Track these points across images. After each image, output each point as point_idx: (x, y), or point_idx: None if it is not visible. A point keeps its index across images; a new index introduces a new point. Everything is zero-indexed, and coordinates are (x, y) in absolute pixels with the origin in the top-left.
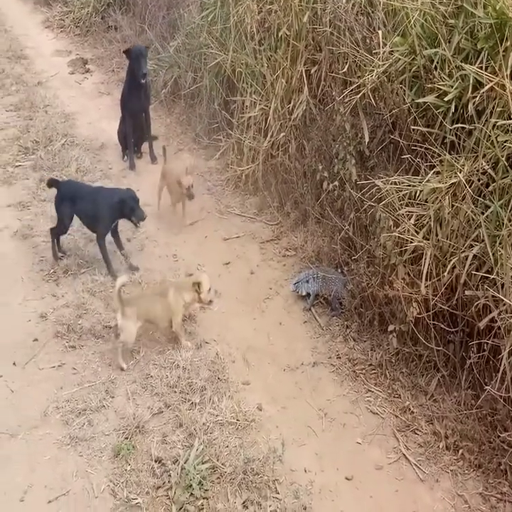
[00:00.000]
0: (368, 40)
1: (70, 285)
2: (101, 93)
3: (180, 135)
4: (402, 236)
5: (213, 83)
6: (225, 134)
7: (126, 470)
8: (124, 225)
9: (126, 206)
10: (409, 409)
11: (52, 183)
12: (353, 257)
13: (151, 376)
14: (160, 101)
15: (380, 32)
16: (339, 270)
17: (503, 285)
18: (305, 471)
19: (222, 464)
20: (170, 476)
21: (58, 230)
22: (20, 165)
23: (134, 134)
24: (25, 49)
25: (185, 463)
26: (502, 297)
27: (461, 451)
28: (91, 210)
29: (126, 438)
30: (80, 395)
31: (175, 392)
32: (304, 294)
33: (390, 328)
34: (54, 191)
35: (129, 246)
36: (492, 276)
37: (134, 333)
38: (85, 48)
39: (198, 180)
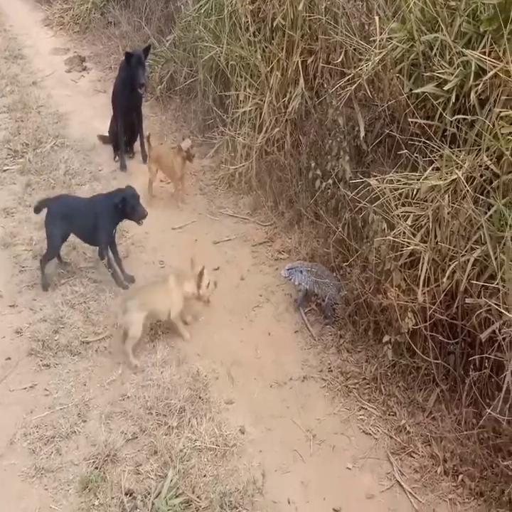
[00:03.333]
0: (366, 27)
1: (49, 297)
2: (97, 91)
3: (174, 132)
4: (397, 240)
5: (207, 78)
6: (219, 131)
7: (94, 505)
8: None
9: (127, 205)
10: (405, 428)
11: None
12: (346, 262)
13: (128, 397)
14: (156, 97)
15: (377, 18)
16: (334, 274)
17: (506, 294)
18: (288, 502)
19: (198, 497)
20: None
21: (48, 255)
22: (7, 169)
23: (125, 133)
24: (23, 48)
25: (157, 497)
26: (503, 311)
27: (460, 476)
28: (89, 221)
29: (96, 468)
30: (50, 419)
31: (151, 414)
32: (296, 283)
33: (385, 338)
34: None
35: None
36: (494, 284)
37: (141, 324)
38: (84, 46)
39: (191, 180)
